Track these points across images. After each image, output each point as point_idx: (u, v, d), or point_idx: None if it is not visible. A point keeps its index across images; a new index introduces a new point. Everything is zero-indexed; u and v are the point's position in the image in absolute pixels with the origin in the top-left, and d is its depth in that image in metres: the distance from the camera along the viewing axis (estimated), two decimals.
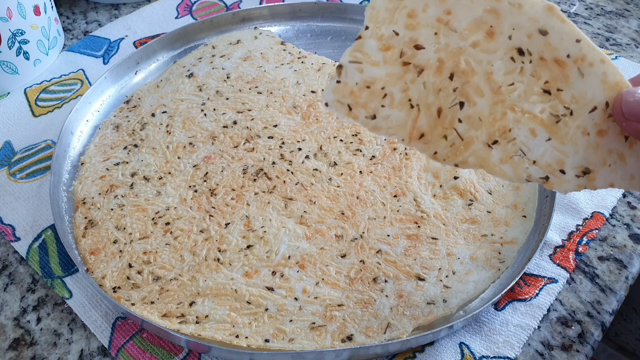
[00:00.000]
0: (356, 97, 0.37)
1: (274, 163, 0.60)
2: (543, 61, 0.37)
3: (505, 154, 0.38)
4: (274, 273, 0.51)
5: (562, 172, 0.38)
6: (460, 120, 0.38)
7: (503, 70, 0.37)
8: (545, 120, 0.37)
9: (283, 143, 0.62)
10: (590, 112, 0.37)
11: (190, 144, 0.62)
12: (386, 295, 0.49)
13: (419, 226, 0.54)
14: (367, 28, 0.37)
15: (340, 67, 0.37)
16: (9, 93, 0.71)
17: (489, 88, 0.37)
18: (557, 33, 0.36)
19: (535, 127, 0.38)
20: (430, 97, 0.37)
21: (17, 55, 0.70)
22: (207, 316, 0.48)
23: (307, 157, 0.60)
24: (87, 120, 0.66)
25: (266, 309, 0.48)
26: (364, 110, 0.37)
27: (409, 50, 0.37)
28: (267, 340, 0.46)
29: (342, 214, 0.55)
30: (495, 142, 0.38)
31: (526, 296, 0.50)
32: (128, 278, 0.51)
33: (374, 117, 0.38)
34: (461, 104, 0.37)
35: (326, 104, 0.37)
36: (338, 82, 0.37)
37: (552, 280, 0.51)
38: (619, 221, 0.56)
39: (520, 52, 0.37)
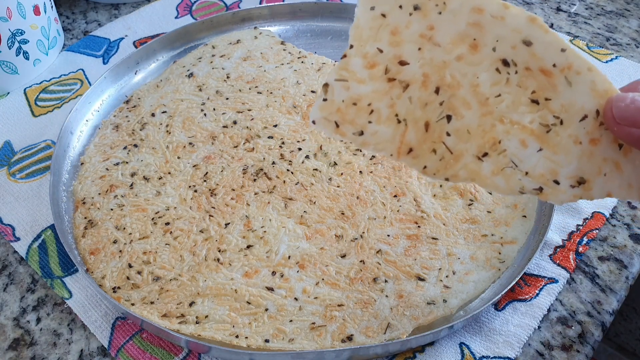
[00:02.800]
0: (343, 114, 0.37)
1: (274, 163, 0.60)
2: (529, 71, 0.37)
3: (496, 166, 0.38)
4: (274, 273, 0.51)
5: (556, 182, 0.37)
6: (448, 134, 0.37)
7: (489, 82, 0.37)
8: (536, 130, 0.37)
9: (283, 143, 0.62)
10: (580, 121, 0.37)
11: (190, 144, 0.62)
12: (386, 295, 0.49)
13: (419, 226, 0.54)
14: (351, 47, 0.37)
15: (326, 85, 0.37)
16: (8, 93, 0.71)
17: (475, 100, 0.37)
18: (541, 43, 0.36)
19: (526, 137, 0.37)
20: (417, 112, 0.37)
21: (16, 55, 0.70)
22: (207, 316, 0.48)
23: (307, 157, 0.60)
24: (87, 120, 0.66)
25: (266, 309, 0.48)
26: (352, 127, 0.37)
27: (393, 66, 0.37)
28: (267, 341, 0.46)
29: (342, 214, 0.55)
30: (486, 154, 0.37)
31: (526, 296, 0.50)
32: (128, 278, 0.51)
33: (362, 133, 0.37)
34: (448, 117, 0.37)
35: (313, 122, 0.37)
36: (324, 100, 0.37)
37: (552, 280, 0.51)
38: (619, 221, 0.56)
39: (505, 63, 0.37)
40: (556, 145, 0.37)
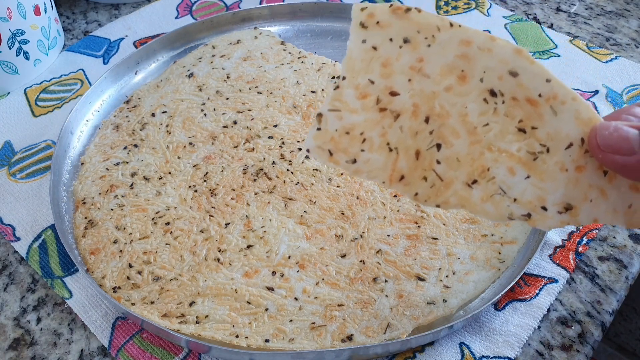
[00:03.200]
0: (336, 142, 0.38)
1: (274, 163, 0.60)
2: (515, 101, 0.38)
3: (485, 193, 0.39)
4: (274, 273, 0.51)
5: (544, 208, 0.38)
6: (438, 162, 0.38)
7: (477, 112, 0.38)
8: (523, 158, 0.38)
9: (283, 143, 0.62)
10: (566, 149, 0.38)
11: (190, 144, 0.62)
12: (386, 295, 0.49)
13: (419, 226, 0.54)
14: (344, 78, 0.38)
15: (320, 115, 0.38)
16: (9, 93, 0.71)
17: (464, 129, 0.38)
18: (527, 74, 0.37)
19: (513, 165, 0.38)
20: (407, 140, 0.38)
21: (17, 55, 0.70)
22: (207, 316, 0.48)
23: (307, 157, 0.60)
24: (87, 120, 0.66)
25: (266, 309, 0.48)
26: (345, 155, 0.39)
27: (384, 97, 0.38)
28: (267, 340, 0.46)
29: (342, 214, 0.55)
30: (475, 181, 0.38)
31: (526, 296, 0.50)
32: (128, 278, 0.51)
33: (355, 161, 0.39)
34: (438, 146, 0.38)
35: (308, 151, 0.39)
36: (318, 129, 0.38)
37: (552, 280, 0.51)
38: None
39: (493, 93, 0.38)
40: (543, 173, 0.38)
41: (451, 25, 0.38)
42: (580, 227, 0.55)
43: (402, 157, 0.39)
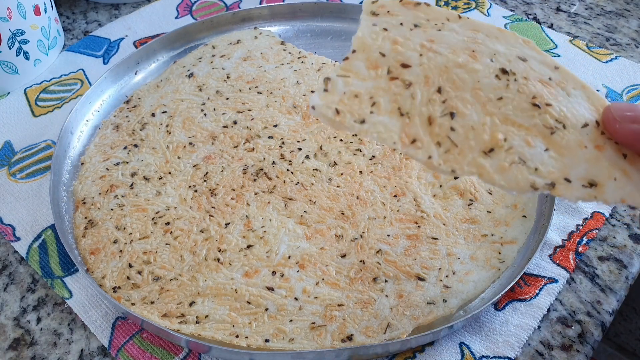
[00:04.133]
0: (344, 103, 0.36)
1: (274, 163, 0.60)
2: (527, 80, 0.37)
3: (503, 162, 0.37)
4: (274, 273, 0.51)
5: (568, 180, 0.36)
6: (452, 129, 0.37)
7: (490, 87, 0.37)
8: (540, 131, 0.37)
9: (283, 143, 0.62)
10: (582, 127, 0.37)
11: (190, 144, 0.62)
12: (386, 295, 0.49)
13: (419, 226, 0.54)
14: (354, 51, 0.37)
15: (327, 79, 0.37)
16: (9, 93, 0.71)
17: (478, 101, 0.37)
18: (536, 60, 0.38)
19: (530, 138, 0.37)
20: (420, 107, 0.37)
21: (17, 55, 0.70)
22: (207, 316, 0.48)
23: (307, 157, 0.60)
24: (87, 120, 0.66)
25: (266, 309, 0.48)
26: (352, 115, 0.36)
27: (395, 69, 0.37)
28: (267, 340, 0.46)
29: (342, 214, 0.55)
30: (492, 150, 0.36)
31: (526, 296, 0.50)
32: (128, 278, 0.51)
33: (363, 121, 0.36)
34: (451, 114, 0.37)
35: (312, 107, 0.36)
36: (325, 90, 0.37)
37: (552, 280, 0.51)
38: (619, 221, 0.56)
39: (504, 71, 0.38)
40: (562, 148, 0.36)
41: (460, 17, 0.39)
42: (581, 228, 0.55)
43: (414, 122, 0.36)
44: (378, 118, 0.36)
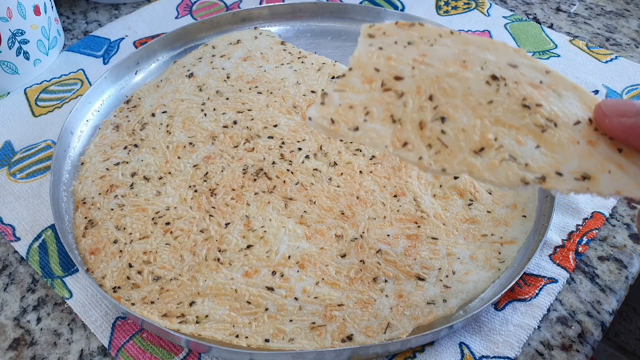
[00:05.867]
0: (339, 114, 0.38)
1: (274, 163, 0.60)
2: (518, 84, 0.38)
3: (493, 159, 0.37)
4: (274, 273, 0.51)
5: (559, 174, 0.37)
6: (443, 132, 0.38)
7: (480, 92, 0.38)
8: (531, 130, 0.37)
9: (283, 143, 0.62)
10: (574, 125, 0.37)
11: (190, 143, 0.62)
12: (386, 295, 0.49)
13: (419, 226, 0.54)
14: (350, 69, 0.40)
15: (324, 93, 0.39)
16: (9, 93, 0.71)
17: (468, 106, 0.38)
18: (526, 66, 0.39)
19: (521, 136, 0.37)
20: (412, 114, 0.39)
21: (17, 55, 0.70)
22: (207, 316, 0.48)
23: (307, 157, 0.60)
24: (87, 120, 0.66)
25: (266, 309, 0.48)
26: (346, 124, 0.38)
27: (389, 81, 0.39)
28: (267, 340, 0.46)
29: (342, 213, 0.55)
30: (482, 149, 0.37)
31: (526, 296, 0.50)
32: (128, 278, 0.51)
33: (357, 129, 0.38)
34: (442, 119, 0.38)
35: (309, 119, 0.38)
36: (322, 103, 0.39)
37: (552, 280, 0.51)
38: (619, 221, 0.56)
39: (494, 77, 0.39)
40: (554, 144, 0.37)
41: (452, 33, 0.41)
42: (580, 228, 0.55)
43: (405, 127, 0.38)
44: (371, 125, 0.38)
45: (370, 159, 0.60)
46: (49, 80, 0.73)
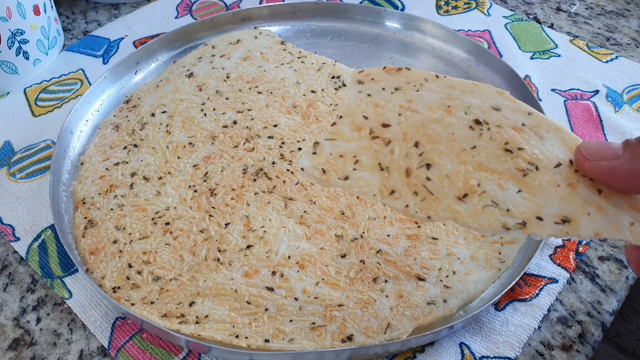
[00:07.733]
0: (330, 164, 0.41)
1: (274, 163, 0.60)
2: (500, 128, 0.40)
3: (477, 206, 0.39)
4: (273, 273, 0.51)
5: (540, 218, 0.38)
6: (428, 179, 0.39)
7: (464, 137, 0.40)
8: (512, 174, 0.38)
9: (283, 143, 0.62)
10: (555, 167, 0.38)
11: (190, 143, 0.62)
12: (386, 295, 0.49)
13: (419, 226, 0.54)
14: (340, 117, 0.42)
15: (316, 143, 0.41)
16: (8, 93, 0.71)
17: (452, 152, 0.40)
18: (509, 108, 0.41)
19: (503, 181, 0.38)
20: (398, 161, 0.40)
21: (16, 55, 0.70)
22: (207, 316, 0.48)
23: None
24: (86, 120, 0.66)
25: (266, 309, 0.48)
26: (337, 173, 0.40)
27: (377, 128, 0.41)
28: (267, 340, 0.46)
29: (342, 213, 0.55)
30: (466, 195, 0.39)
31: (526, 296, 0.50)
32: (128, 278, 0.51)
33: (347, 178, 0.40)
34: (428, 165, 0.40)
35: (302, 169, 0.41)
36: (314, 153, 0.41)
37: (553, 280, 0.51)
38: None
39: (478, 122, 0.40)
40: (535, 188, 0.38)
41: (437, 77, 0.43)
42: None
43: (393, 175, 0.40)
44: (360, 174, 0.40)
45: None
46: (49, 80, 0.73)
